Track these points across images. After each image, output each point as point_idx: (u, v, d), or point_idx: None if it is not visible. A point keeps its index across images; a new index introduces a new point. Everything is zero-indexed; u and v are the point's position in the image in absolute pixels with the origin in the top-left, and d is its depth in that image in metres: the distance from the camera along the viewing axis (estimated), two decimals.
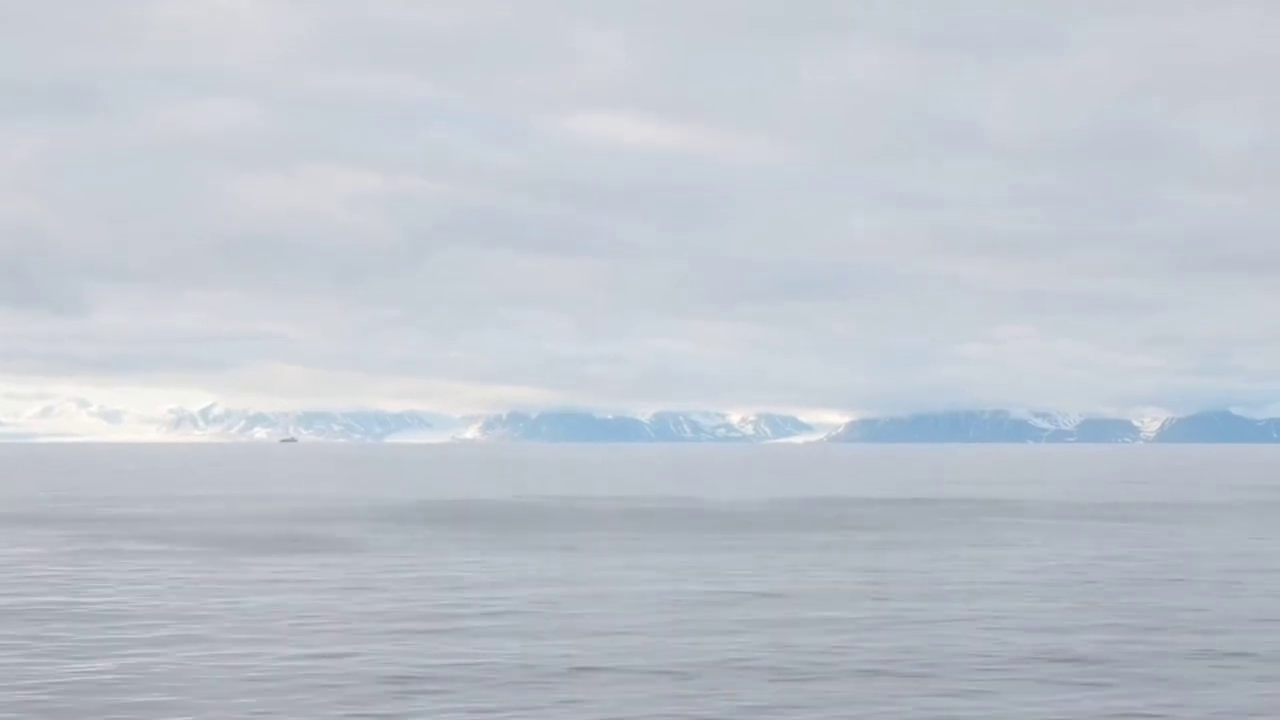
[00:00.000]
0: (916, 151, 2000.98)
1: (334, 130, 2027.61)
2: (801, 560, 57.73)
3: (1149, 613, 41.49)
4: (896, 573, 52.70)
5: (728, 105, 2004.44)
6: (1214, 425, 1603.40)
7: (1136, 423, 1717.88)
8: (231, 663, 31.84)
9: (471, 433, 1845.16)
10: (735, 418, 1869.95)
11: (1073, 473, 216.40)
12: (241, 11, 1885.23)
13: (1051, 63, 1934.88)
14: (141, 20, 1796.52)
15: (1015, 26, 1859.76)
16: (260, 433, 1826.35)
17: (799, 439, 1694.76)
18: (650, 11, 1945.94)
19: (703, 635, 36.40)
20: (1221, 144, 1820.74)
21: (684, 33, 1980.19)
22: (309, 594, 44.98)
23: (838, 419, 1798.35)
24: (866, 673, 31.28)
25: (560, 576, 50.84)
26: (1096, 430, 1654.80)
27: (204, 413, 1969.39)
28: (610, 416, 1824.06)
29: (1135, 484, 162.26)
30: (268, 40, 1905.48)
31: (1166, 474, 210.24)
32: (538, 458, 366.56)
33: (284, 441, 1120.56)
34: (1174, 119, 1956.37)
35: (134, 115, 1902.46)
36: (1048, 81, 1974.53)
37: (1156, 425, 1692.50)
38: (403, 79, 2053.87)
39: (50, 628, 37.18)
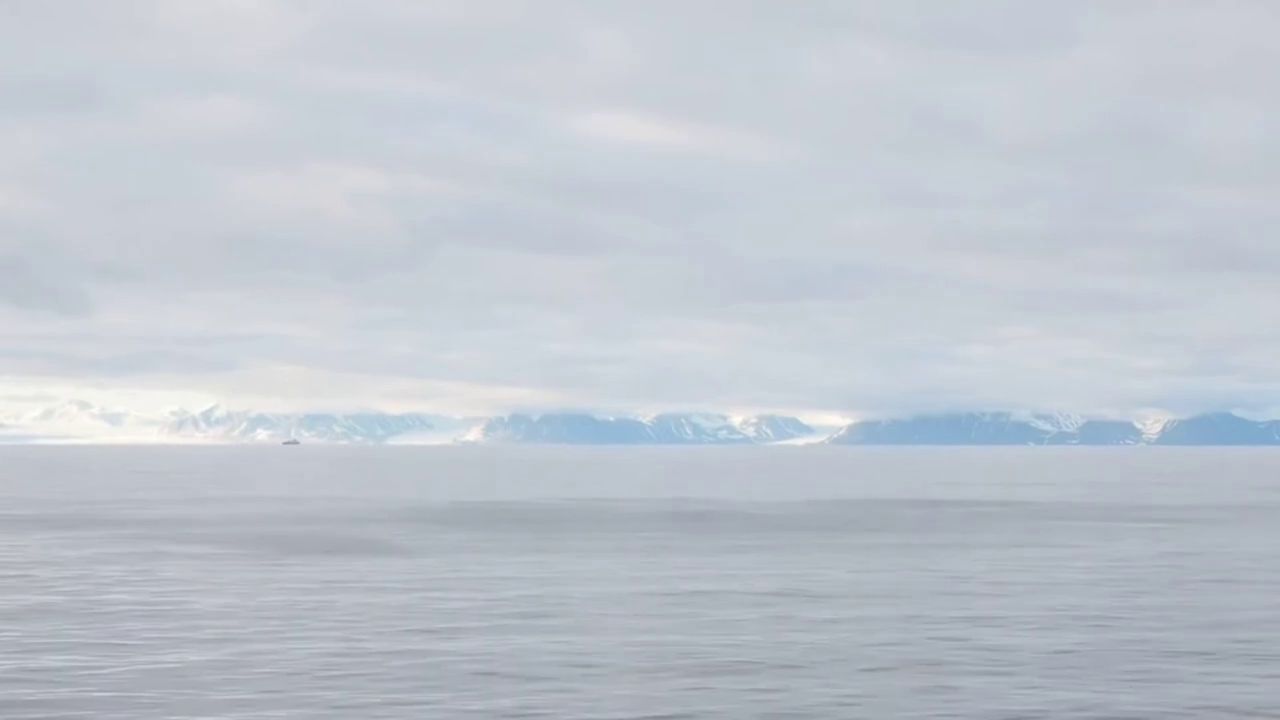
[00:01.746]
0: (920, 148, 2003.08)
1: (338, 128, 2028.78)
2: (868, 561, 58.04)
3: (1241, 610, 42.13)
4: (970, 573, 52.92)
5: (730, 102, 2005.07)
6: (1216, 427, 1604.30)
7: (1138, 425, 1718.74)
8: (349, 660, 32.19)
9: (473, 435, 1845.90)
10: (737, 419, 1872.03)
11: (1085, 475, 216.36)
12: (246, 8, 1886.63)
13: (1055, 59, 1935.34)
14: (145, 17, 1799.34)
15: (1019, 23, 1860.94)
16: (262, 435, 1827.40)
17: (800, 441, 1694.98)
18: (654, 8, 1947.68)
19: (821, 633, 36.80)
20: (1226, 141, 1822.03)
21: (687, 29, 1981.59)
22: (396, 593, 45.19)
23: (839, 421, 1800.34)
24: (1046, 669, 31.77)
25: (636, 577, 51.05)
26: (1098, 432, 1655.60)
27: (206, 415, 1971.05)
28: (612, 418, 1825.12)
29: (1154, 486, 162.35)
30: (272, 37, 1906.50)
31: (1181, 476, 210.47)
32: (547, 460, 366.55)
33: (287, 444, 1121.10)
34: (1179, 116, 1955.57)
35: (137, 112, 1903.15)
36: (1052, 78, 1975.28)
37: (1158, 427, 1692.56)
38: (406, 76, 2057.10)
39: (162, 625, 37.46)
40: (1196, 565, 56.94)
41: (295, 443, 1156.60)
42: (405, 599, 43.90)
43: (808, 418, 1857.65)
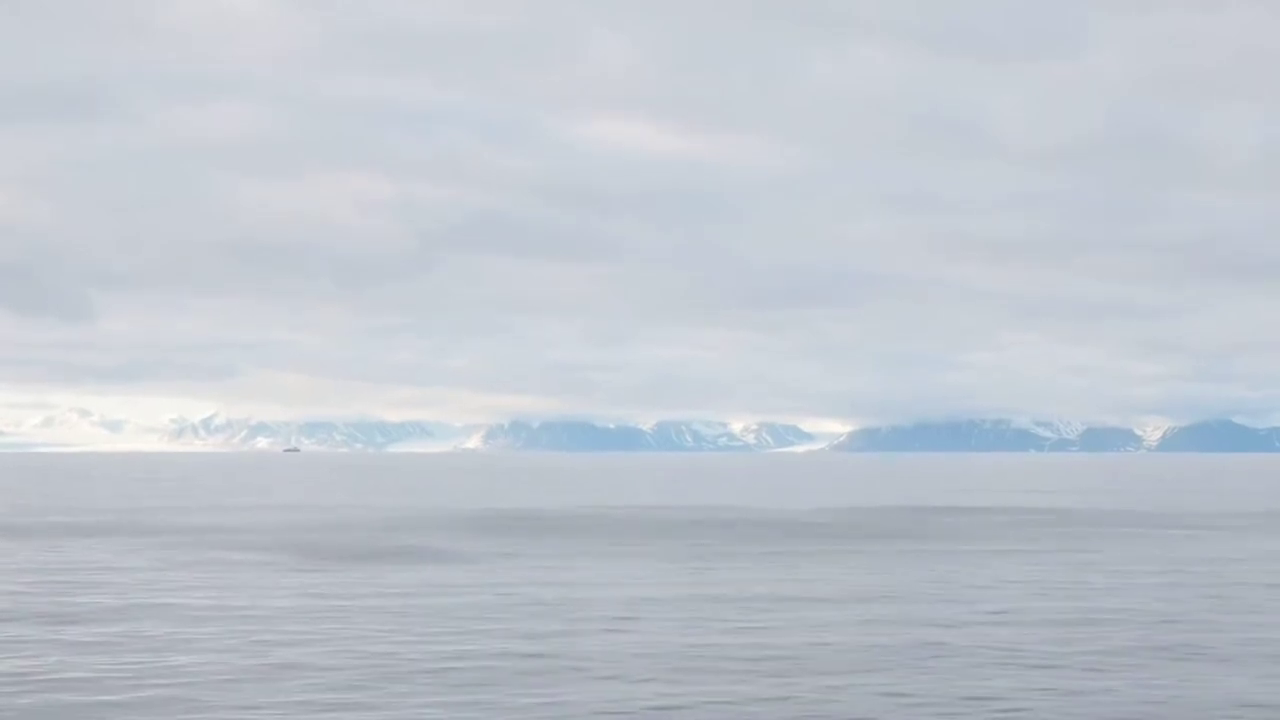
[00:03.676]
0: (922, 152, 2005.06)
1: (341, 133, 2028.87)
2: (943, 566, 58.37)
3: None
4: (1046, 578, 53.39)
5: (733, 106, 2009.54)
6: (1216, 434, 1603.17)
7: (1139, 432, 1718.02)
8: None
9: (473, 442, 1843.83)
10: (737, 426, 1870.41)
11: (1102, 482, 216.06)
12: (251, 14, 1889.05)
13: (1060, 65, 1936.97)
14: (150, 23, 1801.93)
15: (1022, 26, 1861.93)
16: (262, 442, 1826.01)
17: (800, 448, 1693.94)
18: (655, 10, 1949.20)
19: (949, 632, 37.40)
20: (1230, 146, 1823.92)
21: (689, 33, 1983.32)
22: (475, 596, 45.56)
23: (840, 428, 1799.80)
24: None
25: (712, 581, 51.46)
26: (1098, 439, 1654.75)
27: (205, 422, 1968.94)
28: (612, 425, 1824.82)
29: (1176, 493, 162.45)
30: (277, 43, 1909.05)
31: (1196, 482, 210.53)
32: (553, 467, 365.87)
33: (287, 451, 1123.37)
34: (1182, 120, 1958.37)
35: (140, 117, 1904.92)
36: (1055, 82, 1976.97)
37: (1159, 434, 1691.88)
38: (409, 81, 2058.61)
39: (268, 628, 37.80)
40: (1268, 568, 57.52)
41: (296, 450, 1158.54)
42: (488, 601, 44.33)
43: (808, 425, 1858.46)
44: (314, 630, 37.83)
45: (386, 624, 39.04)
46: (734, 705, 28.08)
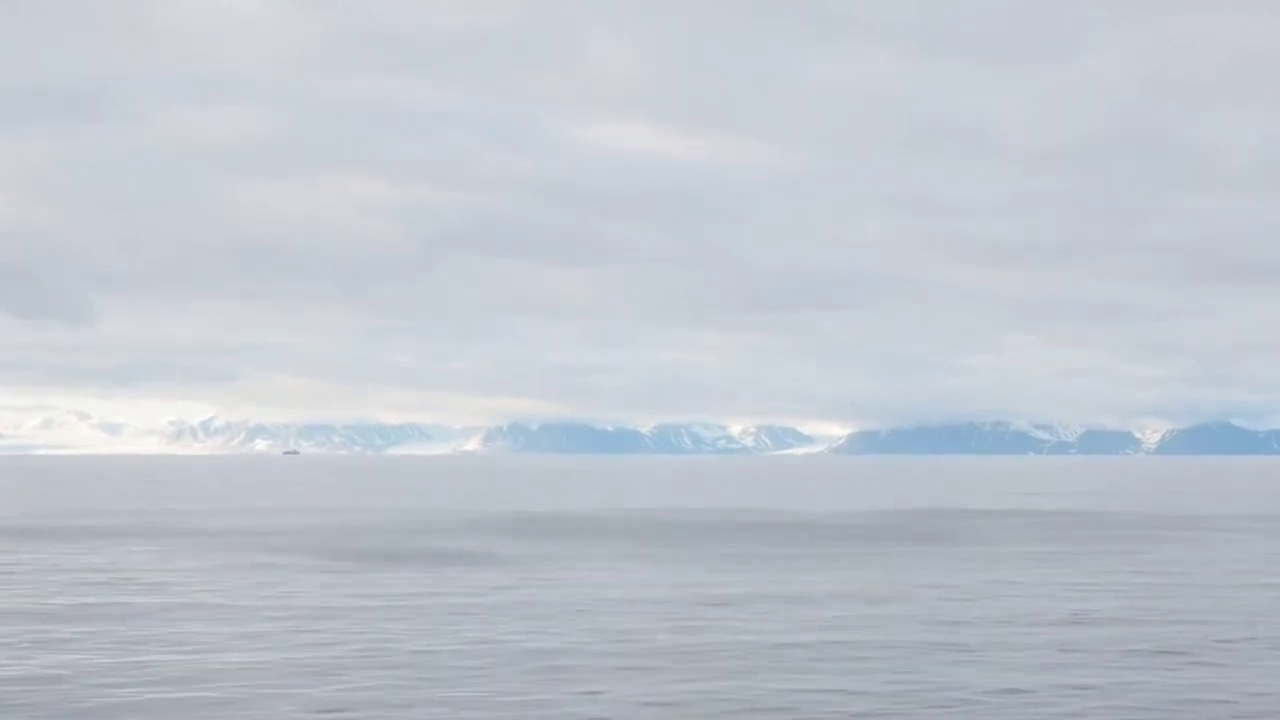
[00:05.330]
0: (922, 154, 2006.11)
1: (343, 137, 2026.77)
2: (1011, 569, 58.12)
3: None
4: (1097, 580, 53.16)
5: (735, 108, 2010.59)
6: (1215, 437, 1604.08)
7: (1138, 434, 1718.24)
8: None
9: (472, 444, 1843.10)
10: (736, 429, 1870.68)
11: (1104, 485, 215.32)
12: (251, 15, 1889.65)
13: (1060, 66, 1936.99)
14: (151, 26, 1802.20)
15: (1024, 30, 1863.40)
16: (260, 445, 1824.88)
17: (799, 450, 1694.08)
18: (659, 13, 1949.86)
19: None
20: (1230, 148, 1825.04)
21: (692, 34, 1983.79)
22: (549, 594, 45.14)
23: (839, 430, 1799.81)
24: None
25: (787, 581, 50.96)
26: (1097, 442, 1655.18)
27: (204, 425, 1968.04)
28: (610, 428, 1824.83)
29: (1196, 496, 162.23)
30: (277, 45, 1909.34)
31: (1210, 484, 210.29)
32: (559, 469, 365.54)
33: (287, 453, 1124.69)
34: (1183, 123, 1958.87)
35: (141, 120, 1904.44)
36: (1056, 85, 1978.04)
37: (1158, 437, 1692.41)
38: (410, 84, 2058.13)
39: (358, 626, 37.54)
40: None
41: (295, 453, 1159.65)
42: (547, 599, 44.12)
43: (807, 427, 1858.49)
44: (381, 629, 37.66)
45: (470, 622, 38.76)
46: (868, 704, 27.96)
